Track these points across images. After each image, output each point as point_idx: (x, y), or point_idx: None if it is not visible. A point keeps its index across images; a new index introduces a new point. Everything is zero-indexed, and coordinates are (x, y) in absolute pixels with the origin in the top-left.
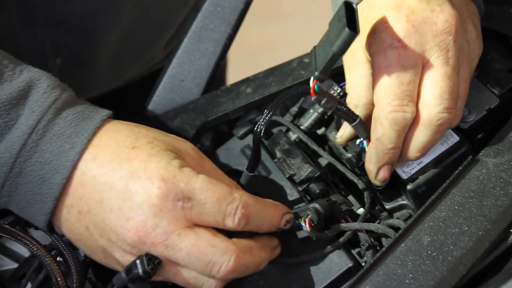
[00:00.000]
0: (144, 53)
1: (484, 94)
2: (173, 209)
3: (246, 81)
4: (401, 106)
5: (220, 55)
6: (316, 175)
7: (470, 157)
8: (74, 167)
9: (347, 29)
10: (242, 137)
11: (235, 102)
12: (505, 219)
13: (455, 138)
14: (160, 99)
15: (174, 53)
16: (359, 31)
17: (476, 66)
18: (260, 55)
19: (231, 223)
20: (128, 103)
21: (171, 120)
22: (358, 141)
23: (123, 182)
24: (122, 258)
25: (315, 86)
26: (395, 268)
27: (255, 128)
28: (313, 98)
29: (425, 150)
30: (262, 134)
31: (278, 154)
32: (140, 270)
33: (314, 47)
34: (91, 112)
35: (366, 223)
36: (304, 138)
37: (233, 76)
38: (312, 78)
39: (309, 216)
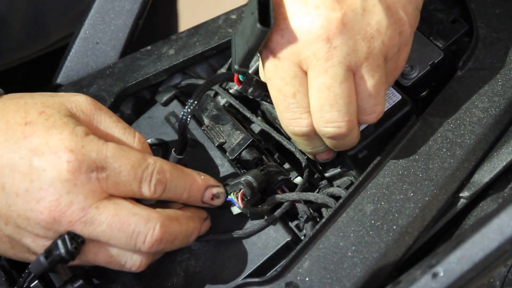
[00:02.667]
0: (69, 7)
1: (427, 48)
2: (88, 182)
3: (168, 42)
4: (294, 119)
5: (139, 13)
6: (248, 142)
7: (414, 116)
8: None
9: (258, 24)
10: (165, 103)
11: (156, 65)
12: (452, 182)
13: (397, 97)
14: (72, 65)
15: (86, 13)
16: (272, 26)
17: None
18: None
19: (147, 190)
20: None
21: (86, 88)
22: None
23: (26, 162)
24: (34, 243)
25: (239, 76)
26: (337, 241)
27: (181, 117)
28: (238, 88)
29: (344, 148)
30: (188, 123)
31: (206, 121)
32: (62, 251)
33: (234, 34)
34: None
35: (304, 193)
36: (234, 102)
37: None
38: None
39: (241, 191)
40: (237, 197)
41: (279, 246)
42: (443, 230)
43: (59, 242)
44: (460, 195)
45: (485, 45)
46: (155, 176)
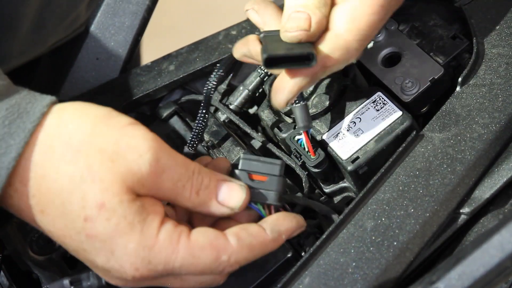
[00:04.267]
0: (68, 14)
1: (427, 64)
2: (154, 279)
3: (168, 58)
4: (363, 47)
5: (139, 30)
6: None
7: (414, 132)
8: (15, 174)
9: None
10: (166, 119)
11: (156, 81)
12: (453, 198)
13: (397, 113)
14: (74, 80)
15: (86, 29)
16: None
17: None
18: (183, 28)
19: (219, 278)
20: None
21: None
22: (297, 137)
23: (91, 256)
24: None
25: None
26: (337, 257)
27: (205, 86)
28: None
29: None
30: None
31: (206, 137)
32: (95, 282)
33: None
34: (28, 104)
35: (310, 200)
36: (235, 118)
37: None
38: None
39: (271, 206)
40: (266, 210)
41: (279, 262)
42: (443, 246)
43: (93, 275)
44: (461, 211)
45: (485, 61)
46: (226, 272)
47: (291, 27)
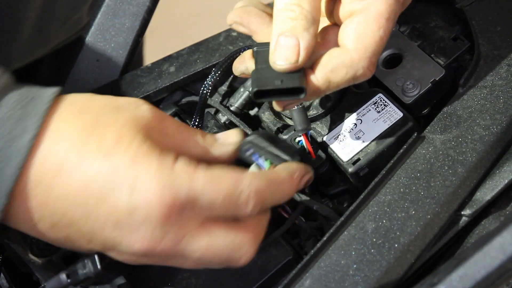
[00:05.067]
0: (69, 16)
1: (429, 65)
2: (181, 216)
3: (168, 59)
4: (374, 65)
5: (139, 31)
6: None
7: (415, 134)
8: (29, 156)
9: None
10: None
11: (157, 82)
12: (454, 200)
13: (398, 114)
14: (74, 82)
15: (86, 31)
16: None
17: None
18: (184, 29)
19: (243, 213)
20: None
21: None
22: (298, 139)
23: (114, 198)
24: (118, 256)
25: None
26: (338, 259)
27: (201, 90)
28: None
29: None
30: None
31: None
32: (91, 270)
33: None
34: (38, 91)
35: (311, 200)
36: (235, 120)
37: (154, 53)
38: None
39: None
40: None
41: (280, 265)
42: (445, 248)
43: (88, 262)
44: (462, 213)
45: (486, 62)
46: (252, 201)
47: (279, 58)
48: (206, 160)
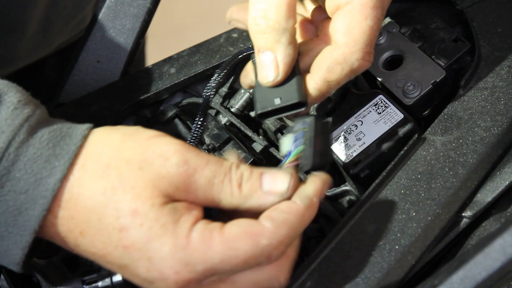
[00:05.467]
0: (74, 15)
1: (429, 67)
2: (199, 286)
3: (169, 60)
4: (370, 54)
5: (139, 32)
6: (249, 161)
7: (416, 135)
8: (55, 198)
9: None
10: (167, 122)
11: (157, 84)
12: (455, 202)
13: (399, 116)
14: (75, 83)
15: (87, 31)
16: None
17: None
18: (184, 30)
19: (268, 264)
20: (47, 76)
21: (87, 107)
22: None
23: (132, 270)
24: None
25: None
26: (338, 260)
27: (204, 92)
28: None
29: None
30: (211, 98)
31: (207, 140)
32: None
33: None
34: (69, 128)
35: None
36: (236, 121)
37: (155, 55)
38: None
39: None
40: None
41: None
42: (445, 250)
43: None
44: (463, 214)
45: (487, 64)
46: (275, 255)
47: (261, 77)
48: (238, 212)
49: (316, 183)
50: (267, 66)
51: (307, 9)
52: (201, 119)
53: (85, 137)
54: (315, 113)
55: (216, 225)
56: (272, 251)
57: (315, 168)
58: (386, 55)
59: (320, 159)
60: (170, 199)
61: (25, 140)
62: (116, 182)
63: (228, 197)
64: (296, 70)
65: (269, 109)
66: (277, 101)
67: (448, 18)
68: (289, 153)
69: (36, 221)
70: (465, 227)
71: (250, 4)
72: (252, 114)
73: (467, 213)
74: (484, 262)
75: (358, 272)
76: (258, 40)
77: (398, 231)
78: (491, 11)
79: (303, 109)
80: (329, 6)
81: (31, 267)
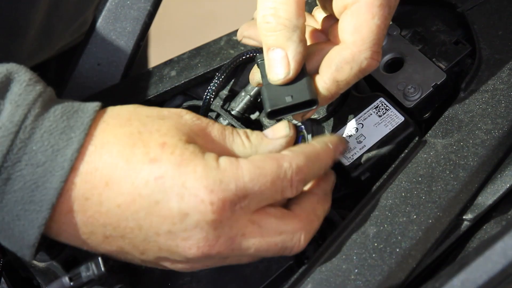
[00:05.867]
0: (75, 18)
1: (430, 69)
2: (233, 214)
3: (169, 63)
4: (378, 53)
5: (140, 35)
6: None
7: (417, 138)
8: (73, 168)
9: None
10: None
11: (158, 86)
12: (456, 205)
13: (399, 119)
14: (75, 86)
15: (87, 35)
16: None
17: None
18: (185, 33)
19: (290, 194)
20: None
21: None
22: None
23: (164, 206)
24: (172, 265)
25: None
26: (339, 263)
27: (205, 94)
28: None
29: None
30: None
31: None
32: (95, 273)
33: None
34: (80, 104)
35: None
36: (236, 124)
37: (157, 57)
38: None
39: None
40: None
41: (281, 269)
42: (446, 252)
43: (92, 265)
44: (464, 217)
45: (488, 66)
46: (295, 180)
47: (272, 75)
48: None
49: (332, 136)
50: (278, 64)
51: (317, 20)
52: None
53: (97, 112)
54: (315, 115)
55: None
56: (292, 175)
57: None
58: (386, 57)
59: None
60: (192, 142)
61: (40, 113)
62: (141, 127)
63: (241, 147)
64: (305, 71)
65: (280, 106)
66: (288, 99)
67: (449, 21)
68: None
69: (54, 194)
70: (466, 230)
71: (258, 3)
72: (253, 117)
73: (468, 216)
74: (485, 265)
75: (359, 275)
76: (268, 38)
77: (399, 234)
78: (491, 14)
79: (314, 107)
80: (336, 7)
81: (32, 269)
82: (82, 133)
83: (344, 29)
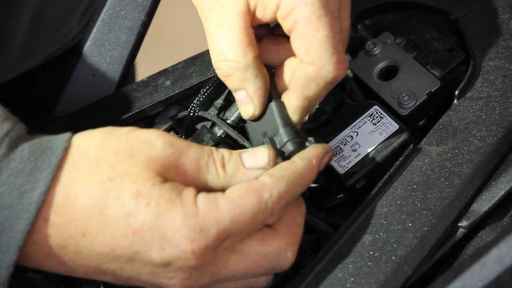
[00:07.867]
0: (58, 29)
1: (424, 77)
2: (216, 256)
3: (164, 73)
4: (340, 61)
5: (134, 45)
6: None
7: (411, 146)
8: (38, 214)
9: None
10: None
11: (153, 96)
12: (451, 212)
13: (394, 126)
14: (69, 97)
15: (82, 45)
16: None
17: None
18: (179, 43)
19: (271, 221)
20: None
21: (83, 120)
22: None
23: (145, 255)
24: None
25: None
26: (335, 272)
27: (189, 110)
28: None
29: None
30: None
31: None
32: None
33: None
34: (49, 141)
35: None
36: (232, 133)
37: (151, 67)
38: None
39: None
40: None
41: (277, 278)
42: (442, 260)
43: None
44: (459, 224)
45: (482, 73)
46: (277, 209)
47: (242, 115)
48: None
49: (317, 148)
50: (243, 103)
51: None
52: (183, 135)
53: (67, 148)
54: (309, 124)
55: (217, 192)
56: (274, 204)
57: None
58: (380, 65)
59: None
60: (166, 179)
61: (5, 154)
62: (111, 173)
63: (215, 178)
64: (274, 95)
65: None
66: (266, 140)
67: (443, 28)
68: None
69: (20, 237)
70: (461, 237)
71: (210, 50)
72: None
73: (463, 223)
74: (481, 272)
75: (355, 283)
76: (226, 82)
77: (394, 241)
78: (485, 21)
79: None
80: (286, 30)
81: (26, 283)
82: (50, 175)
83: (297, 50)
